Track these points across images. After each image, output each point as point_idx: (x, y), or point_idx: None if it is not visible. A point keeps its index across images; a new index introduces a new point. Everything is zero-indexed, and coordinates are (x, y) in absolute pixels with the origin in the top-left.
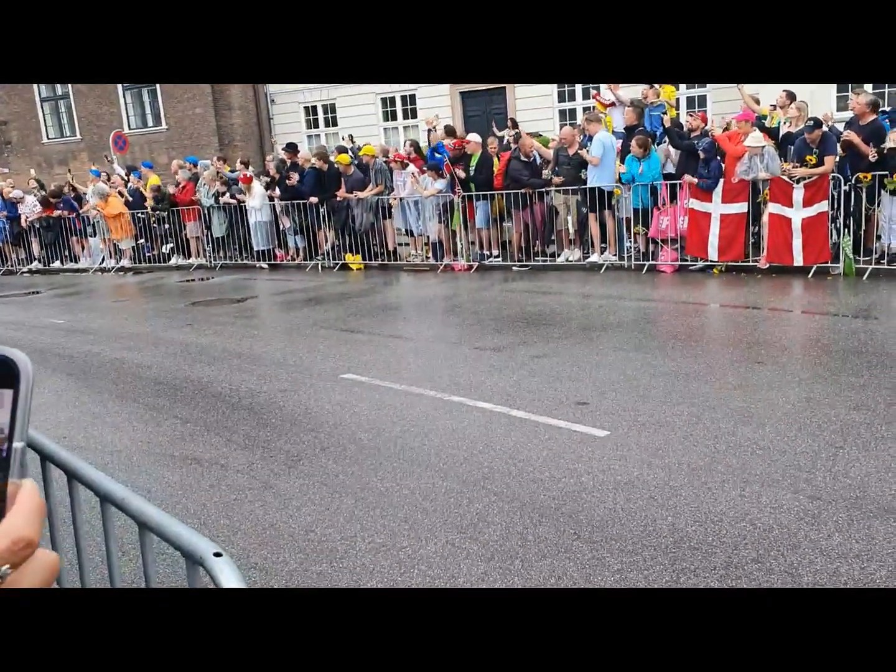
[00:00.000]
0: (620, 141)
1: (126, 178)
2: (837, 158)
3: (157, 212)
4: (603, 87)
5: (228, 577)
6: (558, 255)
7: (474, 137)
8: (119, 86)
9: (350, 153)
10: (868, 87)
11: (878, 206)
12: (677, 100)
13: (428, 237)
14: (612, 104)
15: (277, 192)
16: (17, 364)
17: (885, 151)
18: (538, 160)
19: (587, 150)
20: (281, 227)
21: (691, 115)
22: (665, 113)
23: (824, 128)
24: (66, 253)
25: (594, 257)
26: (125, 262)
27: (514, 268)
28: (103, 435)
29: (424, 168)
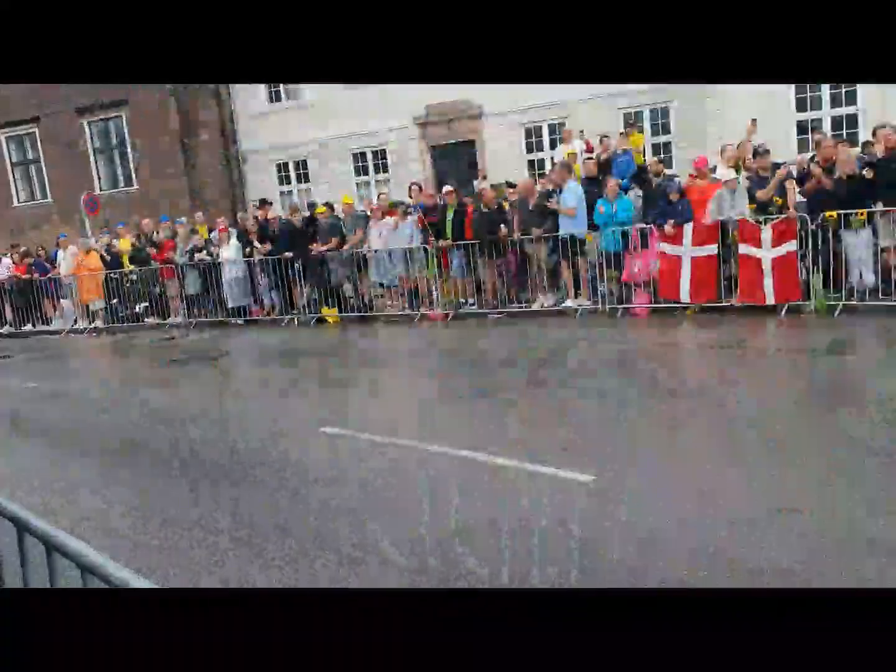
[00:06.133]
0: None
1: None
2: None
3: (135, 266)
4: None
5: None
6: (533, 301)
7: (448, 189)
8: (90, 148)
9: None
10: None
11: (843, 244)
12: (644, 147)
13: (403, 287)
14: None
15: (258, 246)
16: None
17: (839, 178)
18: (508, 210)
19: (556, 201)
20: (256, 282)
21: (656, 162)
22: (633, 160)
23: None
24: (38, 315)
25: (569, 302)
26: (98, 323)
27: (489, 315)
28: (81, 500)
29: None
